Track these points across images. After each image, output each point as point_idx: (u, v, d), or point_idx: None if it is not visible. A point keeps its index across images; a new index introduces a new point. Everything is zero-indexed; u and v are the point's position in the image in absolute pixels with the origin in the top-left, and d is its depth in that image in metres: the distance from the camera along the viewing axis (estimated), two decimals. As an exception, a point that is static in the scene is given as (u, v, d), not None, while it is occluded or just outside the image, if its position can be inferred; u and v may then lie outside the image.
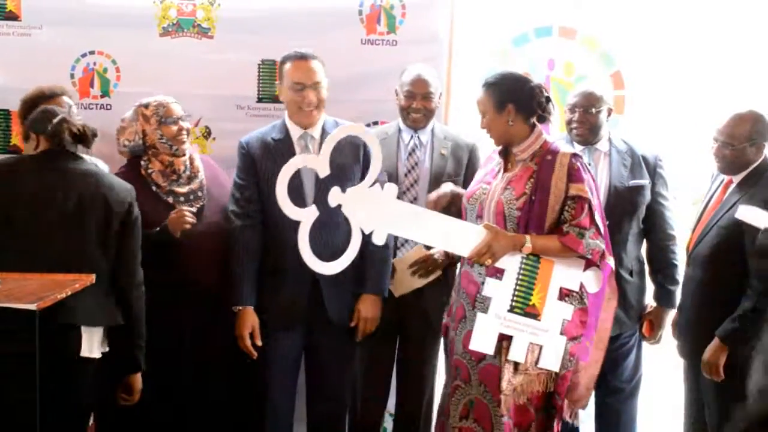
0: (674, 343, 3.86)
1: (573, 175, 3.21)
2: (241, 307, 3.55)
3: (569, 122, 3.83)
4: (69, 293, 2.61)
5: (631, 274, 3.84)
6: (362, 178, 3.54)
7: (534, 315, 3.19)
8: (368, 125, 4.30)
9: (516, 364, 3.19)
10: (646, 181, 3.83)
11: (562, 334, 3.19)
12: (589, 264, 3.24)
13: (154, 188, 3.58)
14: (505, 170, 3.35)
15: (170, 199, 3.58)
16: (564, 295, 3.22)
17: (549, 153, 3.26)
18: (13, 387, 2.26)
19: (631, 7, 4.44)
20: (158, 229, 3.46)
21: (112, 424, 3.56)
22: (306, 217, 3.16)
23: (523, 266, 3.22)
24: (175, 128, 3.58)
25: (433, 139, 3.85)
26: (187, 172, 3.64)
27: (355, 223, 3.19)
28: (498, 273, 3.22)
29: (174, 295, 3.51)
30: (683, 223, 3.94)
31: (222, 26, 4.26)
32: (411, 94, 3.80)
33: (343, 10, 4.31)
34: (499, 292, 3.21)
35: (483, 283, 3.26)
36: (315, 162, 3.23)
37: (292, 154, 3.55)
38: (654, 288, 3.94)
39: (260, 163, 3.60)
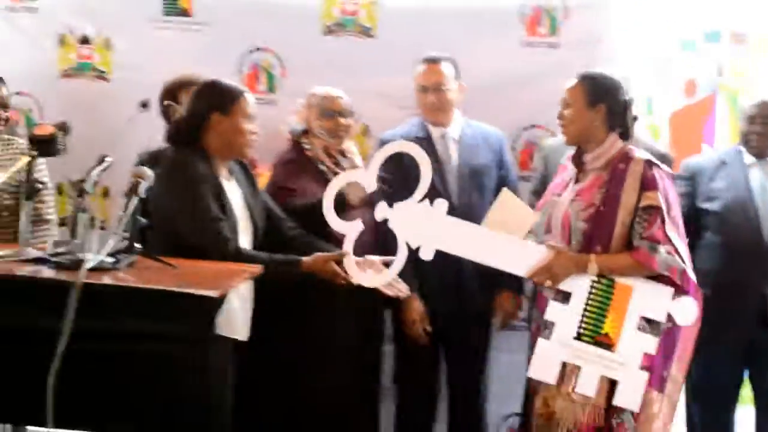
0: None
1: (646, 184, 2.98)
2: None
3: (746, 133, 3.66)
4: (241, 282, 2.69)
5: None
6: (500, 178, 3.75)
7: (607, 345, 2.94)
8: (526, 128, 4.27)
9: (559, 385, 2.97)
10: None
11: (643, 369, 2.93)
12: (678, 289, 2.96)
13: (321, 166, 3.65)
14: (576, 180, 3.17)
15: None
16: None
17: (622, 161, 3.04)
18: (191, 372, 2.33)
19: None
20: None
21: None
22: (350, 230, 3.08)
23: (593, 290, 2.98)
24: (332, 122, 3.63)
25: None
26: (347, 162, 3.68)
27: (401, 238, 3.05)
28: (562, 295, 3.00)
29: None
30: None
31: (383, 26, 4.31)
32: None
33: (503, 11, 4.27)
34: (565, 316, 2.99)
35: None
36: (363, 176, 3.14)
37: (435, 152, 3.70)
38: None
39: (405, 159, 3.58)
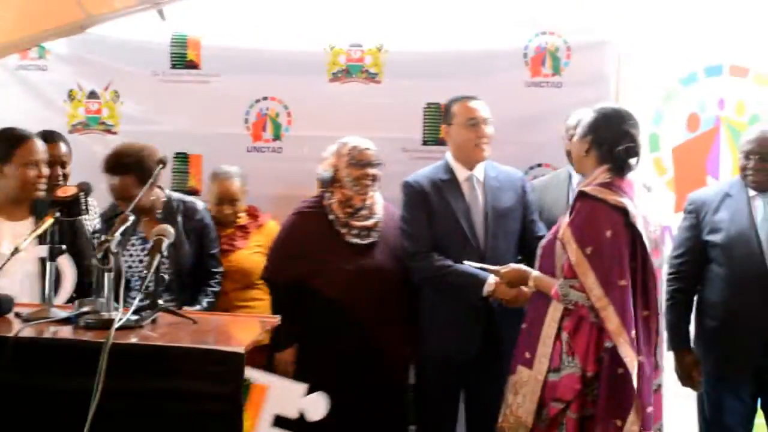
0: None
1: (570, 216, 3.05)
2: (492, 281, 3.54)
3: (744, 168, 3.67)
4: (263, 335, 2.71)
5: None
6: (524, 218, 3.74)
7: None
8: (531, 168, 4.33)
9: None
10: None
11: None
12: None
13: (330, 217, 3.73)
14: None
15: (344, 231, 3.71)
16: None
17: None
18: (221, 427, 2.33)
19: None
20: None
21: None
22: None
23: None
24: (362, 172, 3.71)
25: None
26: (364, 211, 3.75)
27: None
28: None
29: (337, 325, 3.65)
30: None
31: (389, 71, 4.38)
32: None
33: (508, 53, 4.35)
34: None
35: None
36: None
37: (461, 194, 3.72)
38: None
39: (432, 201, 3.71)
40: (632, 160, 3.10)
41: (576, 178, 3.80)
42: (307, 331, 3.67)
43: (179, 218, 3.73)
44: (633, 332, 2.93)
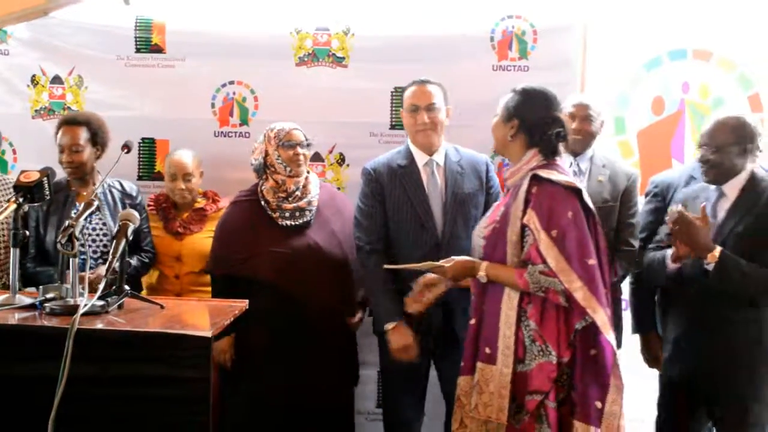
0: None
1: (529, 201, 2.95)
2: (392, 324, 3.54)
3: (699, 160, 3.63)
4: (232, 319, 2.71)
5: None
6: (486, 204, 3.68)
7: None
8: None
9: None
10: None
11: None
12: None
13: (263, 203, 3.76)
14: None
15: (276, 215, 3.73)
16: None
17: (525, 178, 3.01)
18: (188, 411, 2.33)
19: (768, 26, 4.33)
20: None
21: None
22: None
23: None
24: (291, 152, 3.72)
25: (592, 167, 3.84)
26: (298, 193, 3.76)
27: None
28: None
29: (273, 308, 3.62)
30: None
31: (356, 55, 4.36)
32: (571, 115, 3.77)
33: (475, 37, 4.34)
34: None
35: None
36: None
37: (419, 180, 3.68)
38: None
39: (388, 189, 3.68)
40: (561, 145, 3.06)
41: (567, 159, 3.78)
42: (245, 317, 3.61)
43: (116, 194, 3.88)
44: (608, 309, 2.91)
